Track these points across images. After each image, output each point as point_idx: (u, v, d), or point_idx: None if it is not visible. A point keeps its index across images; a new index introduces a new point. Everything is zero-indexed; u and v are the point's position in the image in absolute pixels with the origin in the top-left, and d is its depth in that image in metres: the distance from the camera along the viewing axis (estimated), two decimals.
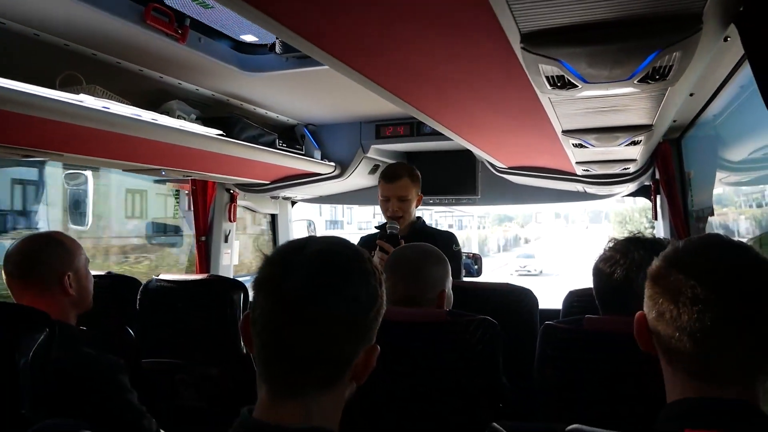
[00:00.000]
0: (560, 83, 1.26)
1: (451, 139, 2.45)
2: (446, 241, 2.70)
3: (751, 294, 0.91)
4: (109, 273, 2.57)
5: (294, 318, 0.90)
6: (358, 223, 33.99)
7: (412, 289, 1.77)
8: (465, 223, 46.98)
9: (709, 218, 2.95)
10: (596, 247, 1.81)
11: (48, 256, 1.77)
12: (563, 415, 1.46)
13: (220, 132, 2.45)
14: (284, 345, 0.91)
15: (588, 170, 2.81)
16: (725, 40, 1.48)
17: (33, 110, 1.66)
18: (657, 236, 2.36)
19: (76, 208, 3.12)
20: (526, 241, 53.87)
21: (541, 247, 47.74)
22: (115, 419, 1.63)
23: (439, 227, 3.06)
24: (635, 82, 1.24)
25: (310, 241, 0.98)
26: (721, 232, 3.05)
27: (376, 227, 2.86)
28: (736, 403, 0.91)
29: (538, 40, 1.07)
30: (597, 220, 60.05)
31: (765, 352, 0.92)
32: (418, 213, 2.90)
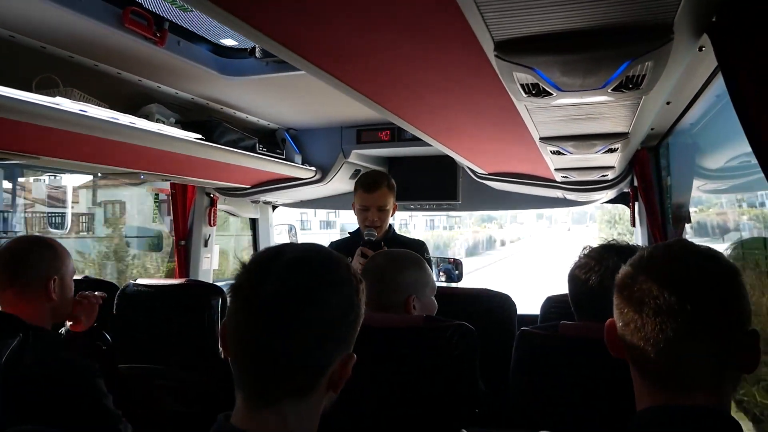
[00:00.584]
0: (535, 91, 1.27)
1: (432, 145, 2.46)
2: (417, 249, 2.71)
3: (719, 301, 0.92)
4: (86, 277, 2.55)
5: (269, 325, 0.89)
6: (319, 221, 33.16)
7: (374, 292, 1.77)
8: (437, 223, 45.03)
9: (686, 225, 2.98)
10: (573, 256, 1.80)
11: (36, 258, 1.76)
12: (538, 420, 1.47)
13: (200, 136, 2.44)
14: (259, 352, 0.90)
15: (567, 177, 2.83)
16: (700, 49, 1.50)
17: (9, 113, 1.64)
18: (635, 243, 2.38)
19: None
20: (503, 244, 47.88)
21: (506, 256, 36.11)
22: (90, 424, 1.61)
23: (410, 227, 3.05)
24: (609, 90, 1.25)
25: (287, 248, 0.97)
26: (698, 237, 3.08)
27: (349, 233, 2.87)
28: (704, 410, 0.91)
29: (511, 49, 1.08)
30: (581, 221, 58.33)
31: (730, 359, 0.92)
32: None
